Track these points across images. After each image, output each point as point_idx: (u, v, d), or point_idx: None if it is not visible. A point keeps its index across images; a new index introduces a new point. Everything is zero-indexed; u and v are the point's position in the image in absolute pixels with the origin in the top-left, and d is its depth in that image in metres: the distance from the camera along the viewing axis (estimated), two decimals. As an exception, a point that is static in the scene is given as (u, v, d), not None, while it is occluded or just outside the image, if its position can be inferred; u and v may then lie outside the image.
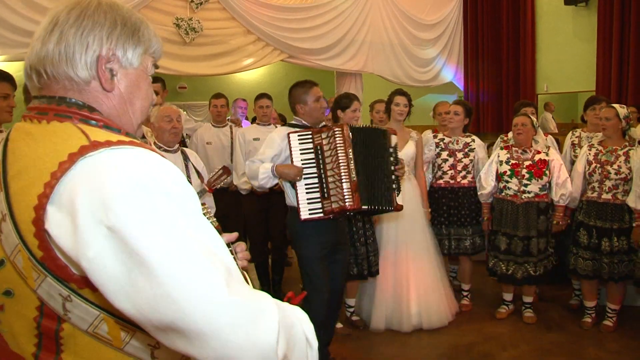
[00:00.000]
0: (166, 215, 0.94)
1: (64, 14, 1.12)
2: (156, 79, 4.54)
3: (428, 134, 5.11)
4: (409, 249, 4.57)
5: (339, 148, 3.34)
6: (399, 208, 3.61)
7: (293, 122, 3.67)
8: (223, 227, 4.29)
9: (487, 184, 4.71)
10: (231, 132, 5.55)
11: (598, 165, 4.40)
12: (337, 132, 3.37)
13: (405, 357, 4.09)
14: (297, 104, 3.57)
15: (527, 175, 4.54)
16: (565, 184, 4.51)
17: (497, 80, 9.16)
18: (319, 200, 3.35)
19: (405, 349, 4.21)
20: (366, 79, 8.92)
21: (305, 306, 3.62)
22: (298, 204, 3.36)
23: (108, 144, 1.01)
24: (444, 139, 5.00)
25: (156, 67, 1.29)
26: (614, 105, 4.48)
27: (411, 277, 4.55)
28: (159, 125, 3.77)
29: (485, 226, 4.79)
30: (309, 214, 3.36)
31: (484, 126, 9.31)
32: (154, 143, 3.85)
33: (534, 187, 4.54)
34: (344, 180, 3.30)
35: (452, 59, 9.51)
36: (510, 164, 4.60)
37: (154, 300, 0.90)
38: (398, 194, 3.61)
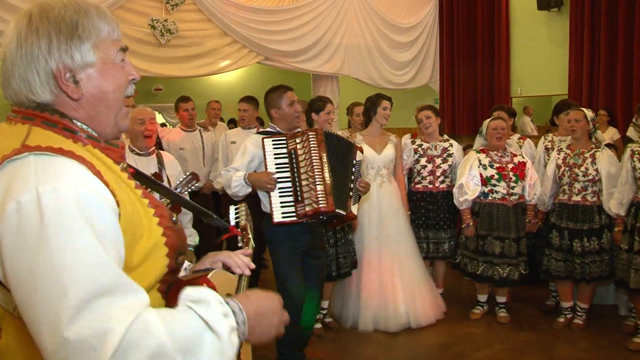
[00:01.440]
0: (37, 236, 0.97)
1: (11, 45, 1.14)
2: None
3: (406, 139, 5.12)
4: (392, 251, 4.59)
5: (313, 151, 3.34)
6: (352, 217, 3.61)
7: (268, 129, 3.66)
8: (196, 229, 4.25)
9: (470, 189, 4.66)
10: (201, 136, 5.53)
11: (567, 169, 4.48)
12: (311, 136, 3.37)
13: (381, 358, 4.11)
14: (272, 109, 3.57)
15: (513, 178, 4.60)
16: (536, 184, 4.62)
17: (472, 84, 9.27)
18: (292, 204, 3.34)
19: (380, 350, 4.23)
20: (342, 81, 8.95)
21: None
22: (271, 207, 3.35)
23: (37, 148, 1.05)
24: (422, 144, 5.01)
25: (124, 49, 1.26)
26: (583, 108, 4.61)
27: (396, 277, 4.57)
28: (131, 128, 3.69)
29: (471, 232, 4.69)
30: (282, 217, 3.34)
31: (459, 129, 9.41)
32: (128, 147, 3.80)
33: (518, 188, 4.61)
34: (317, 183, 3.30)
35: (427, 62, 9.60)
36: (495, 167, 4.64)
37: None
38: (354, 204, 3.62)
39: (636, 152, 4.13)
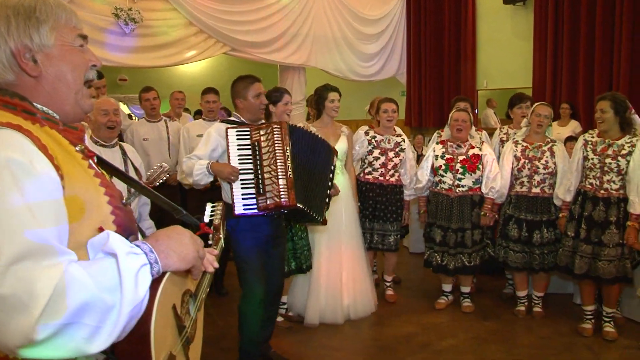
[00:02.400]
0: None
1: None
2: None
3: (361, 130, 5.12)
4: (342, 242, 4.60)
5: (276, 144, 3.31)
6: (324, 222, 3.64)
7: (232, 118, 3.61)
8: (163, 221, 4.20)
9: (422, 177, 4.80)
10: (167, 127, 5.44)
11: (527, 161, 4.56)
12: (275, 129, 3.34)
13: (347, 349, 4.13)
14: (237, 99, 3.52)
15: (460, 170, 4.66)
16: (496, 178, 4.65)
17: (439, 76, 9.35)
18: (253, 196, 3.31)
19: (345, 341, 4.25)
20: (310, 73, 8.93)
21: (240, 303, 3.58)
22: (233, 199, 3.31)
23: None
24: (375, 136, 5.00)
25: (84, 36, 1.34)
26: (547, 104, 4.72)
27: (344, 269, 4.59)
28: (95, 119, 3.62)
29: (422, 219, 4.87)
30: (244, 209, 3.31)
31: (426, 121, 9.49)
32: (91, 137, 3.72)
33: (467, 181, 4.67)
34: (280, 177, 3.28)
35: (395, 55, 9.64)
36: (445, 158, 4.71)
37: None
38: (327, 210, 3.64)
39: (590, 143, 4.22)
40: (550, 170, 4.49)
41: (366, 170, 5.01)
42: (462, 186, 4.67)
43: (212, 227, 1.88)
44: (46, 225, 1.06)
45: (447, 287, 5.00)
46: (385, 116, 4.94)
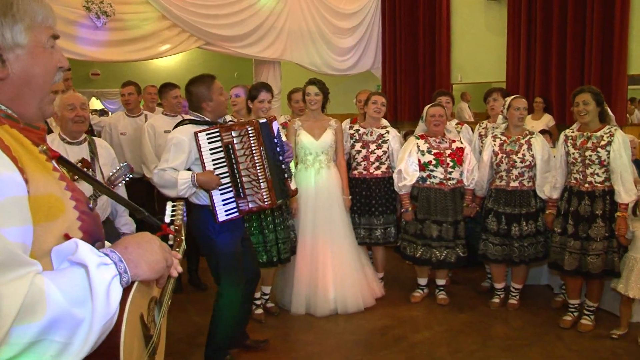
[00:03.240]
0: None
1: None
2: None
3: (345, 124, 5.12)
4: (327, 236, 4.60)
5: (253, 148, 3.28)
6: (295, 193, 3.62)
7: (192, 117, 3.47)
8: (135, 218, 4.11)
9: (409, 174, 4.73)
10: (145, 122, 5.37)
11: (504, 155, 4.59)
12: (250, 131, 3.30)
13: (322, 343, 4.12)
14: (203, 102, 3.40)
15: (451, 164, 4.68)
16: (474, 169, 4.72)
17: (414, 70, 9.37)
18: (233, 200, 3.28)
19: (322, 335, 4.24)
20: (285, 67, 8.89)
21: (220, 301, 3.52)
22: (214, 206, 3.26)
23: None
24: (359, 129, 5.00)
25: (56, 36, 1.26)
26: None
27: (328, 263, 4.58)
28: (61, 115, 3.54)
29: (409, 216, 4.77)
30: (226, 215, 3.27)
31: (401, 115, 9.51)
32: (59, 135, 3.64)
33: (456, 173, 4.70)
34: (261, 181, 3.27)
35: (370, 49, 9.64)
36: (433, 153, 4.70)
37: None
38: (290, 180, 3.60)
39: (570, 138, 4.26)
40: (527, 163, 4.52)
41: (353, 166, 5.01)
42: (452, 179, 4.69)
43: (173, 228, 1.83)
44: (9, 225, 1.00)
45: (423, 281, 5.02)
46: (374, 107, 4.94)
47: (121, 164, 3.42)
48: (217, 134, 3.29)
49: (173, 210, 1.90)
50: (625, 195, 3.98)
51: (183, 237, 1.83)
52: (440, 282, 4.95)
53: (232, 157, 3.28)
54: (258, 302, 4.53)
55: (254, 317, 4.37)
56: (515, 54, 8.13)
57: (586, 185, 4.15)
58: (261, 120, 3.48)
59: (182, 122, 3.49)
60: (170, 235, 1.77)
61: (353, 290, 4.65)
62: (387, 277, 5.32)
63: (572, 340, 4.10)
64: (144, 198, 5.12)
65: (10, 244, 0.98)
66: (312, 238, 4.57)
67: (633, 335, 4.07)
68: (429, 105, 4.90)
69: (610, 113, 4.23)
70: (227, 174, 3.28)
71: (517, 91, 7.77)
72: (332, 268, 4.59)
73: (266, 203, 3.26)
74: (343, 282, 4.62)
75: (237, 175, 3.26)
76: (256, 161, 3.27)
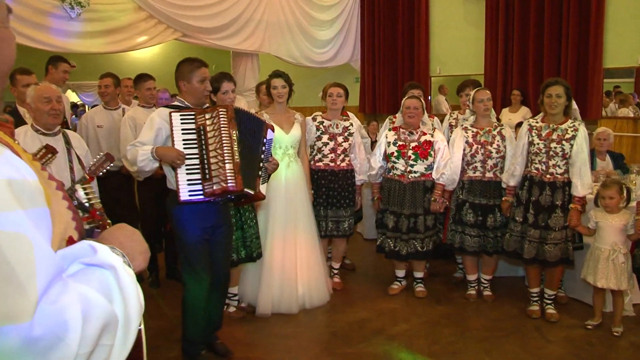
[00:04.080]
0: None
1: None
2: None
3: (309, 117, 5.07)
4: (297, 231, 4.57)
5: (222, 128, 3.23)
6: (261, 197, 3.56)
7: (176, 102, 3.48)
8: (114, 211, 4.08)
9: (375, 164, 4.81)
10: (123, 115, 5.29)
11: (479, 146, 4.61)
12: (221, 113, 3.26)
13: (300, 337, 4.11)
14: (181, 81, 3.40)
15: (413, 157, 4.69)
16: (447, 164, 4.68)
17: (393, 63, 9.38)
18: (199, 181, 3.22)
19: (299, 329, 4.24)
20: (263, 59, 8.84)
21: (185, 293, 3.51)
22: (178, 185, 3.21)
23: None
24: (323, 121, 4.97)
25: (9, 10, 1.14)
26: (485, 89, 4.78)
27: (298, 258, 4.57)
28: (35, 107, 3.50)
29: (375, 206, 4.87)
30: (189, 195, 3.22)
31: (380, 107, 9.52)
32: (32, 126, 3.59)
33: (419, 167, 4.69)
34: (227, 161, 3.20)
35: (348, 41, 9.62)
36: (397, 145, 4.72)
37: None
38: (263, 184, 3.57)
39: (534, 128, 4.30)
40: (502, 154, 4.56)
41: (317, 157, 4.95)
42: (415, 172, 4.69)
43: (96, 211, 1.77)
44: (45, 236, 0.95)
45: (400, 273, 5.04)
46: (330, 100, 4.91)
47: (101, 153, 3.38)
48: (192, 115, 3.27)
49: (86, 193, 1.85)
50: (581, 188, 4.08)
51: (109, 221, 1.79)
52: (418, 274, 4.97)
53: (203, 139, 3.23)
54: (234, 300, 4.49)
55: (231, 314, 4.35)
56: (493, 47, 8.18)
57: (548, 176, 4.20)
58: (241, 109, 3.47)
59: (166, 106, 3.51)
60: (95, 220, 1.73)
61: (317, 284, 4.65)
62: (365, 270, 5.33)
63: (548, 330, 4.14)
64: (123, 191, 5.07)
65: (54, 254, 0.95)
66: (283, 233, 4.52)
67: (607, 325, 4.13)
68: (406, 97, 4.90)
69: (575, 106, 4.29)
70: (196, 155, 3.23)
71: (494, 84, 7.84)
72: (300, 263, 4.57)
73: (230, 185, 3.16)
74: (309, 276, 4.61)
75: (205, 157, 3.22)
76: (224, 141, 3.21)
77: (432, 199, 4.70)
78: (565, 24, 7.31)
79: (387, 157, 4.76)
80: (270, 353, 3.88)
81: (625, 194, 4.09)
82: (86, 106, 11.78)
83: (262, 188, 3.53)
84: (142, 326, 1.16)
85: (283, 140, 4.55)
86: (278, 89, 4.54)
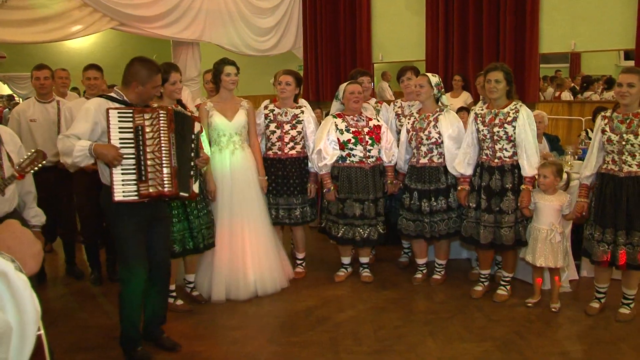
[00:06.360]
0: None
1: None
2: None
3: (263, 105, 5.03)
4: (244, 218, 4.53)
5: (162, 132, 3.18)
6: (194, 196, 3.55)
7: (113, 94, 3.35)
8: (53, 206, 3.94)
9: (328, 154, 4.70)
10: (58, 109, 5.10)
11: (414, 133, 4.65)
12: (162, 115, 3.19)
13: (247, 327, 4.07)
14: (135, 81, 3.28)
15: (369, 141, 4.70)
16: (392, 146, 4.78)
17: (335, 50, 9.38)
18: (134, 182, 3.16)
19: (246, 320, 4.19)
20: (204, 48, 8.68)
21: (121, 288, 3.44)
22: (112, 184, 3.15)
23: None
24: (273, 110, 4.92)
25: None
26: (427, 73, 4.78)
27: (247, 245, 4.53)
28: None
29: (331, 196, 4.76)
30: (123, 196, 3.16)
31: (323, 95, 9.51)
32: None
33: (374, 151, 4.73)
34: (164, 165, 3.17)
35: (291, 29, 9.55)
36: (351, 132, 4.70)
37: None
38: (196, 182, 3.55)
39: (479, 115, 4.36)
40: (433, 140, 4.57)
41: (267, 146, 4.94)
42: (372, 157, 4.71)
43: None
44: None
45: (346, 260, 5.04)
46: (279, 88, 4.87)
47: (33, 150, 3.23)
48: (130, 114, 3.19)
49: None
50: (529, 168, 4.16)
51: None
52: (364, 260, 4.99)
53: (141, 139, 3.17)
54: (175, 294, 4.40)
55: (179, 309, 4.28)
56: (434, 33, 8.28)
57: (496, 160, 4.27)
58: (177, 109, 3.42)
59: (102, 95, 3.38)
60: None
61: (270, 271, 4.63)
62: (311, 257, 5.32)
63: (490, 310, 4.23)
64: (61, 186, 4.91)
65: None
66: (229, 220, 4.49)
67: (545, 302, 4.27)
68: (346, 83, 4.88)
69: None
70: (132, 155, 3.16)
71: (436, 69, 7.92)
72: (251, 250, 4.54)
73: (166, 189, 3.17)
74: (261, 263, 4.58)
75: (142, 158, 3.15)
76: (163, 145, 3.18)
77: (389, 181, 4.76)
78: (502, 11, 7.48)
79: (342, 144, 4.72)
80: (217, 345, 3.83)
81: (565, 177, 4.22)
82: (20, 99, 11.34)
83: (195, 187, 3.52)
84: (42, 331, 1.11)
85: (227, 128, 4.51)
86: (232, 76, 4.53)
